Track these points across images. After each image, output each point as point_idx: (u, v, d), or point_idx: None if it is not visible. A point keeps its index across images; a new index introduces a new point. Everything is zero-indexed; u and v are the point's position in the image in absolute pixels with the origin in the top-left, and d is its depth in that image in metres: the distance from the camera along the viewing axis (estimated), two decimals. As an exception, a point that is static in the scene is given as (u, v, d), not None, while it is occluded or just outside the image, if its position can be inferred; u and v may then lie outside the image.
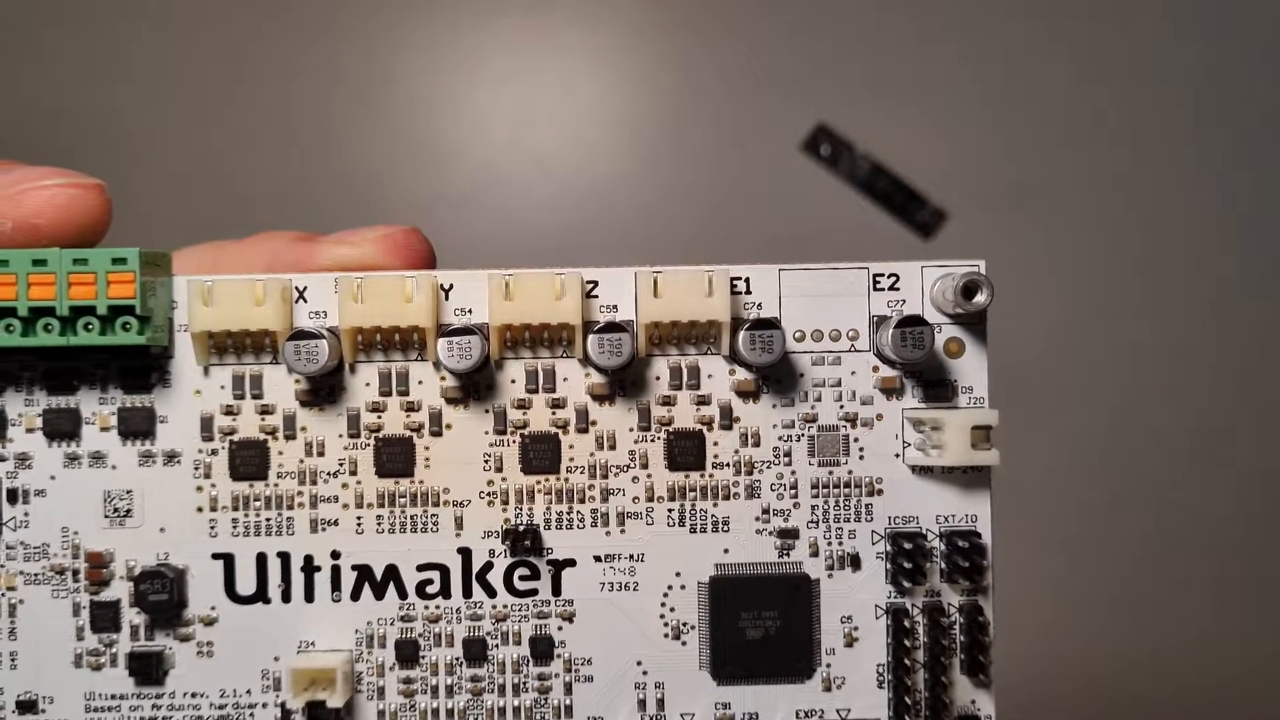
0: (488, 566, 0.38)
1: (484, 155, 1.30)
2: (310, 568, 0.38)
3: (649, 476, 0.38)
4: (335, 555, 0.38)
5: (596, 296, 0.38)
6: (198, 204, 1.22)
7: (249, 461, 0.38)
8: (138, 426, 0.37)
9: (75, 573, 0.38)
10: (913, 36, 1.26)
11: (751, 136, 1.27)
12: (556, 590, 0.38)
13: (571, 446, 0.38)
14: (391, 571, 0.38)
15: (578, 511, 0.38)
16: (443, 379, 0.38)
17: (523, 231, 1.27)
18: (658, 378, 0.38)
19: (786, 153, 1.27)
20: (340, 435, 0.38)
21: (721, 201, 1.27)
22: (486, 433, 0.38)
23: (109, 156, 1.24)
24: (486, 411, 0.38)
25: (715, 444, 0.38)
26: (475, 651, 0.38)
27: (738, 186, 1.27)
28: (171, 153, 1.25)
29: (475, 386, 0.38)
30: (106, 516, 0.37)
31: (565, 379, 0.38)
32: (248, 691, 0.38)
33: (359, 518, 0.38)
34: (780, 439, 0.38)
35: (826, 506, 0.38)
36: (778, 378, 0.38)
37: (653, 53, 1.28)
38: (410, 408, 0.38)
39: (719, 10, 1.28)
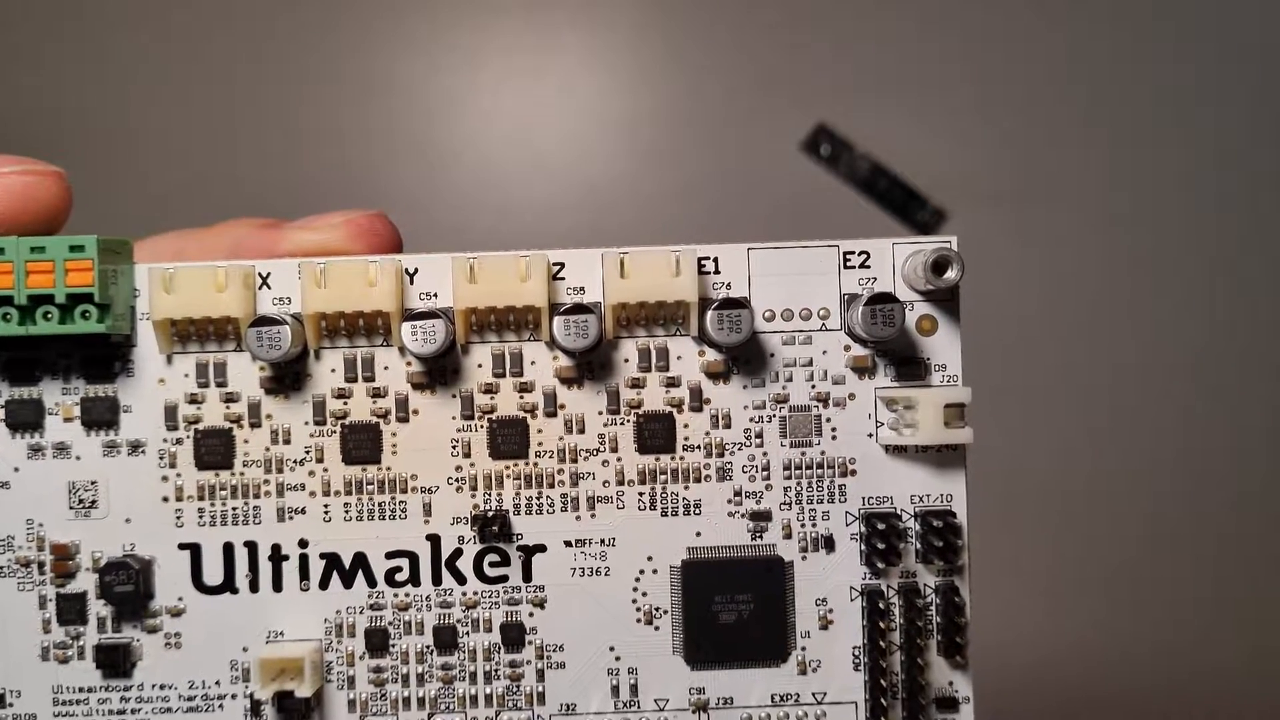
0: (457, 553, 0.38)
1: (484, 155, 1.29)
2: (278, 557, 0.37)
3: (619, 460, 0.38)
4: (303, 544, 0.37)
5: (563, 278, 0.37)
6: (196, 206, 1.22)
7: (214, 450, 0.37)
8: (101, 416, 0.37)
9: (41, 565, 0.37)
10: (912, 36, 1.26)
11: (752, 136, 1.27)
12: (527, 576, 0.38)
13: (540, 431, 0.38)
14: (360, 559, 0.38)
15: (547, 496, 0.38)
16: (408, 364, 0.37)
17: (523, 231, 1.27)
18: (626, 360, 0.38)
19: (787, 152, 1.26)
20: (306, 422, 0.37)
21: (722, 201, 1.26)
22: (454, 418, 0.37)
23: (119, 153, 1.24)
24: (453, 396, 0.37)
25: (686, 426, 0.38)
26: (446, 639, 0.38)
27: (738, 186, 1.27)
28: (173, 153, 1.25)
29: (441, 371, 0.37)
30: (71, 508, 0.37)
31: (533, 362, 0.37)
32: (216, 683, 0.37)
33: (326, 506, 0.37)
34: (751, 420, 0.38)
35: (799, 488, 0.38)
36: (748, 358, 0.38)
37: (652, 53, 1.28)
38: (376, 394, 0.37)
39: (718, 10, 1.27)
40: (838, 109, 1.27)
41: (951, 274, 0.36)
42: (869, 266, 0.38)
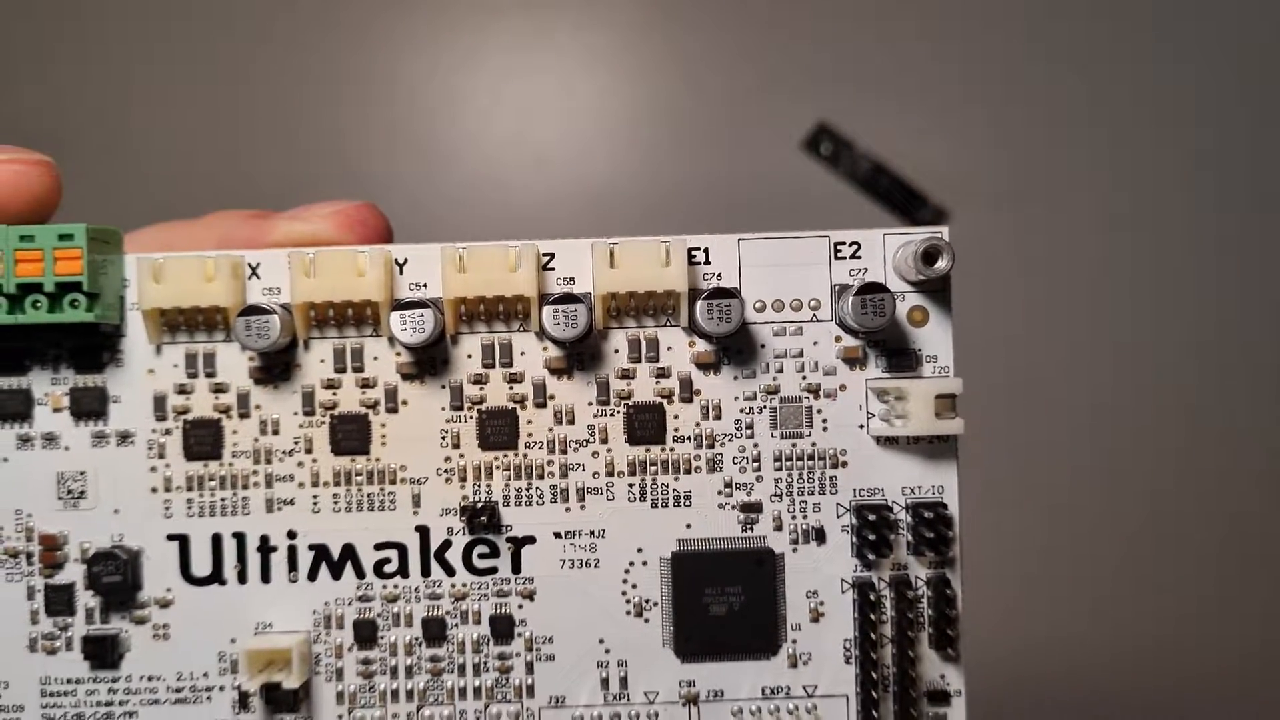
0: (446, 545, 0.37)
1: (484, 155, 1.29)
2: (266, 548, 0.37)
3: (609, 451, 0.37)
4: (291, 535, 0.37)
5: (553, 269, 0.37)
6: (190, 202, 1.22)
7: (203, 441, 0.37)
8: (90, 406, 0.37)
9: (29, 556, 0.37)
10: (913, 35, 1.26)
11: (752, 135, 1.27)
12: (516, 568, 0.37)
13: (530, 422, 0.37)
14: (349, 551, 0.37)
15: (537, 488, 0.37)
16: (398, 355, 0.37)
17: (523, 230, 1.26)
18: (616, 350, 0.37)
19: (787, 151, 1.26)
20: (295, 413, 0.37)
21: (723, 200, 1.26)
22: (443, 409, 0.37)
23: (113, 146, 1.24)
24: (443, 387, 0.37)
25: (676, 417, 0.38)
26: (434, 631, 0.37)
27: (739, 185, 1.26)
28: (169, 150, 1.25)
29: (431, 362, 0.37)
30: (60, 498, 0.37)
31: (522, 353, 0.37)
32: (204, 674, 0.37)
33: (315, 497, 0.37)
34: (742, 411, 0.38)
35: (790, 479, 0.38)
36: (738, 349, 0.38)
37: (652, 52, 1.28)
38: (365, 384, 0.37)
39: (718, 9, 1.27)
40: (839, 107, 1.26)
41: (942, 263, 0.36)
42: (860, 257, 0.38)
